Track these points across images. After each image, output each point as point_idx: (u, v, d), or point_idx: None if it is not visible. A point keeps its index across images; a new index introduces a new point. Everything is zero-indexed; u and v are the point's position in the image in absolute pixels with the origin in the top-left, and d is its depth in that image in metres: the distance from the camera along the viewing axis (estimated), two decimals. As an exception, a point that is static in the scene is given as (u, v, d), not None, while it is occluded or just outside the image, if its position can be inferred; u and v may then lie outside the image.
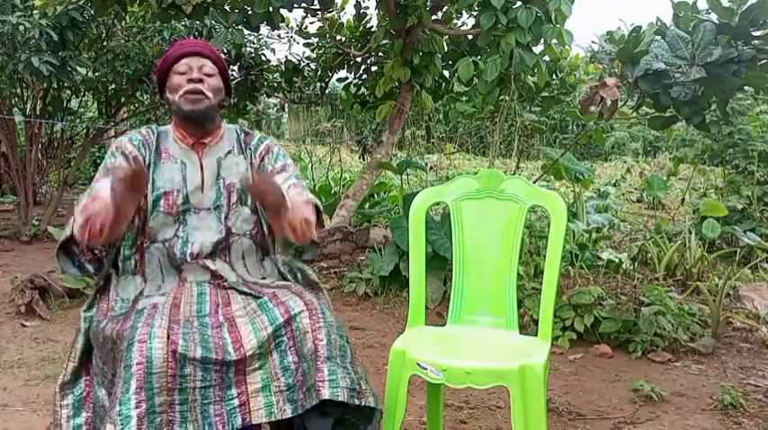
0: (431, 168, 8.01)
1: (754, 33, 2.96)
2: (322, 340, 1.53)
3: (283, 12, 4.20)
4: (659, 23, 3.28)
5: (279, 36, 5.92)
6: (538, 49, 3.85)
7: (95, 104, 6.94)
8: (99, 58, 5.39)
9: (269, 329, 1.55)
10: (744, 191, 5.55)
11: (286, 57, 5.88)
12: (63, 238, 1.70)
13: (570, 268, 3.92)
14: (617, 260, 4.26)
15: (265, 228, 1.82)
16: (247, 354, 1.52)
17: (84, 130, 6.70)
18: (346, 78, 5.68)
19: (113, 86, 5.89)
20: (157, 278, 1.73)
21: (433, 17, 4.69)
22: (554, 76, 4.74)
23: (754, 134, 5.55)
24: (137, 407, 1.39)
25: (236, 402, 1.50)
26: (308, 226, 1.62)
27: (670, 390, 2.74)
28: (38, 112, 5.83)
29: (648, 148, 12.92)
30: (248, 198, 1.79)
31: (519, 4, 3.57)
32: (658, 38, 3.19)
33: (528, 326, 3.19)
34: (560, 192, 6.11)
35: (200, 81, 1.76)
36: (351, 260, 4.59)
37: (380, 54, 5.33)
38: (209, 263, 1.72)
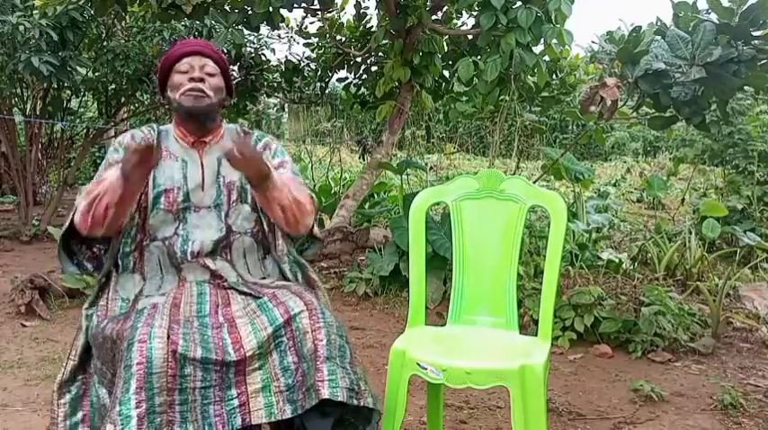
0: (431, 168, 8.01)
1: (754, 33, 2.96)
2: (322, 340, 1.53)
3: (283, 12, 4.20)
4: (659, 23, 3.28)
5: (279, 36, 5.92)
6: (538, 49, 3.85)
7: (95, 104, 6.95)
8: (99, 58, 5.39)
9: (269, 330, 1.55)
10: (744, 191, 5.55)
11: (286, 57, 5.88)
12: (64, 229, 1.71)
13: (570, 268, 3.92)
14: (617, 260, 4.26)
15: (266, 226, 1.82)
16: (247, 355, 1.52)
17: (84, 130, 6.70)
18: (346, 78, 5.68)
19: (113, 86, 5.89)
20: (156, 277, 1.73)
21: (433, 17, 4.69)
22: (554, 76, 4.74)
23: (754, 134, 5.55)
24: (137, 408, 1.39)
25: (235, 402, 1.50)
26: (297, 206, 1.63)
27: (670, 390, 2.74)
28: (38, 112, 5.83)
29: (648, 148, 12.92)
30: (248, 195, 1.79)
31: (519, 4, 3.57)
32: (658, 38, 3.19)
33: (528, 326, 3.19)
34: (560, 192, 6.12)
35: (202, 80, 1.77)
36: (351, 260, 4.59)
37: (380, 54, 5.33)
38: (209, 262, 1.72)
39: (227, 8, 3.95)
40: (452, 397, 2.62)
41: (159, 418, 1.40)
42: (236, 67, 5.59)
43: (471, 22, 5.02)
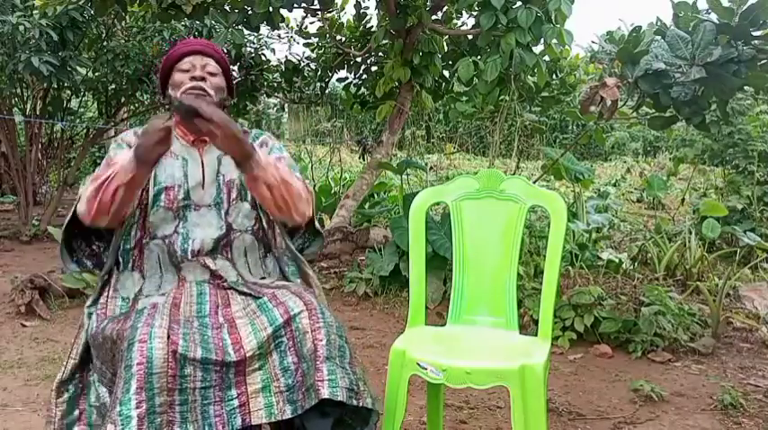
0: (431, 168, 8.01)
1: (754, 33, 2.96)
2: (321, 340, 1.53)
3: (283, 12, 4.20)
4: (659, 23, 3.28)
5: (279, 36, 5.92)
6: (538, 49, 3.85)
7: (95, 104, 6.94)
8: (99, 58, 5.39)
9: (269, 330, 1.55)
10: (744, 191, 5.55)
11: (286, 57, 5.88)
12: (66, 222, 1.71)
13: (570, 268, 3.92)
14: (617, 260, 4.26)
15: (265, 223, 1.82)
16: (247, 355, 1.52)
17: (84, 130, 6.70)
18: (346, 78, 5.68)
19: (113, 86, 5.89)
20: (156, 275, 1.73)
21: (433, 17, 4.69)
22: (554, 76, 4.74)
23: (754, 134, 5.55)
24: (137, 408, 1.39)
25: (235, 403, 1.50)
26: (286, 187, 1.62)
27: (670, 390, 2.74)
28: (38, 112, 5.83)
29: (648, 148, 12.92)
30: (248, 193, 1.79)
31: (519, 4, 3.57)
32: (658, 38, 3.19)
33: (528, 326, 3.19)
34: (560, 192, 6.12)
35: (203, 79, 1.77)
36: (351, 260, 4.59)
37: (380, 54, 5.33)
38: (209, 262, 1.72)
39: (227, 8, 3.95)
40: (452, 397, 2.62)
41: (159, 418, 1.40)
42: (236, 67, 5.59)
43: (471, 22, 5.02)
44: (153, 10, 4.10)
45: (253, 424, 1.51)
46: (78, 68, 5.05)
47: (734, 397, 2.61)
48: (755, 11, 2.89)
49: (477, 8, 3.99)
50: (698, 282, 3.81)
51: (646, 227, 5.73)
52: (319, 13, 5.08)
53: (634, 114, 3.94)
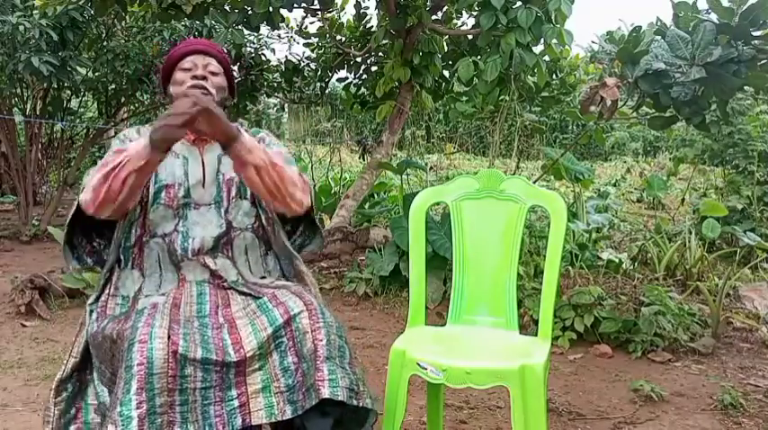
0: (431, 168, 8.01)
1: (754, 33, 2.96)
2: (322, 340, 1.53)
3: (283, 12, 4.20)
4: (659, 23, 3.28)
5: (279, 36, 5.92)
6: (538, 49, 3.85)
7: (95, 104, 6.94)
8: (99, 58, 5.39)
9: (269, 330, 1.55)
10: (744, 191, 5.55)
11: (286, 57, 5.88)
12: (70, 215, 1.70)
13: (570, 268, 3.92)
14: (617, 260, 4.27)
15: (264, 220, 1.82)
16: (247, 355, 1.52)
17: (84, 130, 6.70)
18: (346, 78, 5.68)
19: (113, 86, 5.89)
20: (155, 274, 1.73)
21: (433, 17, 4.69)
22: (554, 76, 4.74)
23: (754, 134, 5.55)
24: (138, 408, 1.39)
25: (236, 403, 1.50)
26: (275, 169, 1.62)
27: (670, 390, 2.74)
28: (38, 112, 5.83)
29: (648, 148, 12.92)
30: (247, 191, 1.79)
31: (519, 4, 3.57)
32: (658, 38, 3.19)
33: (528, 326, 3.19)
34: (560, 192, 6.12)
35: (205, 78, 1.77)
36: (351, 260, 4.59)
37: (380, 54, 5.33)
38: (209, 261, 1.72)
39: (227, 8, 3.95)
40: (452, 397, 2.62)
41: (160, 419, 1.40)
42: (236, 67, 5.59)
43: (471, 22, 5.03)
44: (153, 10, 4.10)
45: (253, 424, 1.51)
46: (78, 68, 5.05)
47: (734, 397, 2.62)
48: (755, 11, 2.89)
49: (477, 8, 3.99)
50: (698, 282, 3.81)
51: (646, 227, 5.73)
52: (319, 13, 5.08)
53: (634, 114, 3.94)
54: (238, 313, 1.63)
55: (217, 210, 1.76)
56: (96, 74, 5.51)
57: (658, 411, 2.58)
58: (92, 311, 1.71)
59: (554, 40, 3.74)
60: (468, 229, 2.05)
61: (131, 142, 1.70)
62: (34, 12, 4.54)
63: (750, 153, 5.48)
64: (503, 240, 2.02)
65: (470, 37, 4.49)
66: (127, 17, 5.42)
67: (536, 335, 1.95)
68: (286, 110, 11.28)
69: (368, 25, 5.36)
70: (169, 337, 1.47)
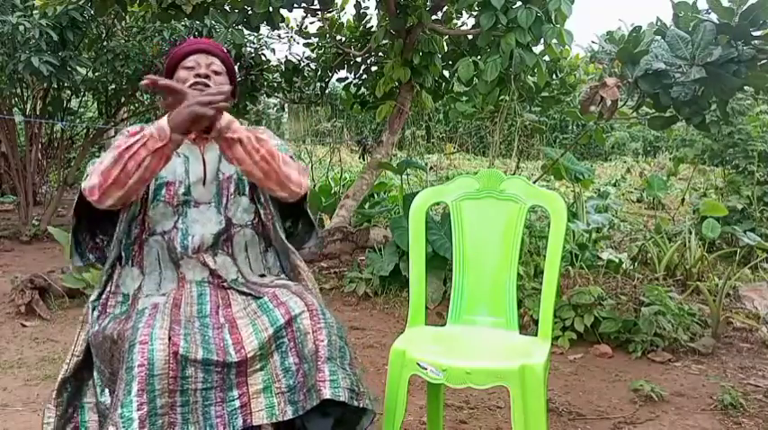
0: (431, 168, 8.01)
1: (754, 33, 2.96)
2: (323, 341, 1.53)
3: (283, 12, 4.20)
4: (659, 23, 3.28)
5: (279, 36, 5.93)
6: (538, 49, 3.86)
7: (95, 104, 6.95)
8: (99, 58, 5.39)
9: (270, 331, 1.55)
10: (744, 191, 5.55)
11: (286, 57, 5.89)
12: (74, 204, 1.70)
13: (570, 268, 3.92)
14: (617, 260, 4.27)
15: (263, 215, 1.82)
16: (248, 356, 1.52)
17: (84, 130, 6.70)
18: (346, 78, 5.68)
19: (113, 86, 5.90)
20: (155, 272, 1.73)
21: (433, 17, 4.69)
22: (554, 76, 4.74)
23: (754, 134, 5.55)
24: (138, 410, 1.39)
25: (237, 403, 1.50)
26: (261, 143, 1.62)
27: (670, 390, 2.74)
28: (38, 112, 5.83)
29: (648, 148, 12.91)
30: (245, 187, 1.79)
31: (519, 4, 3.57)
32: (658, 38, 3.19)
33: (528, 326, 3.19)
34: (560, 192, 6.12)
35: (208, 77, 1.78)
36: (351, 260, 4.59)
37: (380, 54, 5.33)
38: (208, 259, 1.72)
39: (227, 8, 3.95)
40: (452, 397, 2.62)
41: (161, 420, 1.40)
42: (236, 67, 5.59)
43: (471, 22, 5.03)
44: (153, 10, 4.10)
45: (254, 424, 1.51)
46: (78, 68, 5.05)
47: (734, 397, 2.62)
48: (755, 11, 2.89)
49: (477, 8, 3.99)
50: (698, 282, 3.81)
51: (646, 227, 5.73)
52: (319, 13, 5.08)
53: (634, 114, 3.94)
54: (239, 313, 1.63)
55: (216, 209, 1.76)
56: (96, 74, 5.51)
57: (658, 411, 2.58)
58: (94, 308, 1.71)
59: (554, 40, 3.74)
60: (468, 229, 2.05)
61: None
62: (34, 12, 4.54)
63: (750, 153, 5.48)
64: (503, 240, 2.02)
65: (470, 37, 4.49)
66: (127, 17, 5.42)
67: (536, 335, 1.95)
68: (286, 110, 11.27)
69: (368, 25, 5.36)
70: (170, 338, 1.47)
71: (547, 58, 4.22)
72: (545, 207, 1.99)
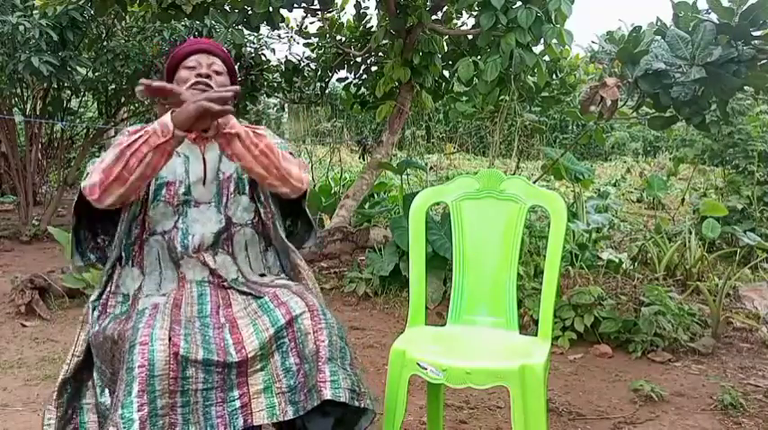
0: (431, 168, 8.01)
1: (754, 33, 2.96)
2: (324, 341, 1.53)
3: (283, 12, 4.20)
4: (659, 23, 3.28)
5: (279, 36, 5.93)
6: (538, 49, 3.86)
7: (95, 104, 6.95)
8: (99, 58, 5.39)
9: (270, 331, 1.55)
10: (744, 191, 5.55)
11: (286, 57, 5.89)
12: (75, 201, 1.70)
13: (570, 268, 3.92)
14: (617, 260, 4.27)
15: (262, 214, 1.82)
16: (249, 356, 1.52)
17: (84, 130, 6.70)
18: (346, 78, 5.68)
19: (113, 86, 5.90)
20: (155, 272, 1.73)
21: (433, 17, 4.69)
22: (554, 76, 4.74)
23: (754, 134, 5.55)
24: (139, 411, 1.39)
25: (237, 403, 1.51)
26: (261, 140, 1.62)
27: (670, 390, 2.75)
28: (38, 112, 5.83)
29: (648, 148, 12.91)
30: (245, 187, 1.79)
31: (519, 4, 3.57)
32: (658, 38, 3.19)
33: (528, 326, 3.19)
34: (560, 192, 6.12)
35: (209, 77, 1.78)
36: (351, 260, 4.59)
37: (380, 54, 5.33)
38: (208, 259, 1.72)
39: (227, 8, 3.95)
40: (452, 397, 2.62)
41: (161, 421, 1.41)
42: (236, 67, 5.59)
43: (471, 22, 5.03)
44: (153, 10, 4.10)
45: (254, 424, 1.51)
46: (78, 68, 5.05)
47: (734, 397, 2.62)
48: (755, 11, 2.89)
49: (477, 8, 3.99)
50: (698, 282, 3.81)
51: (646, 227, 5.73)
52: (319, 13, 5.08)
53: (634, 114, 3.94)
54: (239, 313, 1.63)
55: (216, 208, 1.76)
56: (96, 74, 5.51)
57: (658, 411, 2.59)
58: (94, 308, 1.71)
59: (554, 40, 3.74)
60: (468, 229, 2.05)
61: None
62: (34, 12, 4.54)
63: (750, 153, 5.48)
64: (503, 240, 2.02)
65: (470, 37, 4.49)
66: (127, 17, 5.42)
67: (536, 335, 1.95)
68: (286, 110, 11.27)
69: (368, 25, 5.36)
70: (170, 339, 1.47)
71: (547, 58, 4.22)
72: (545, 207, 1.99)
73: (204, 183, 1.76)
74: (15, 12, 4.46)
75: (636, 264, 4.39)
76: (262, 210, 1.82)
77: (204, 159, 1.78)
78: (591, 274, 3.90)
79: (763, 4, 2.87)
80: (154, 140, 1.54)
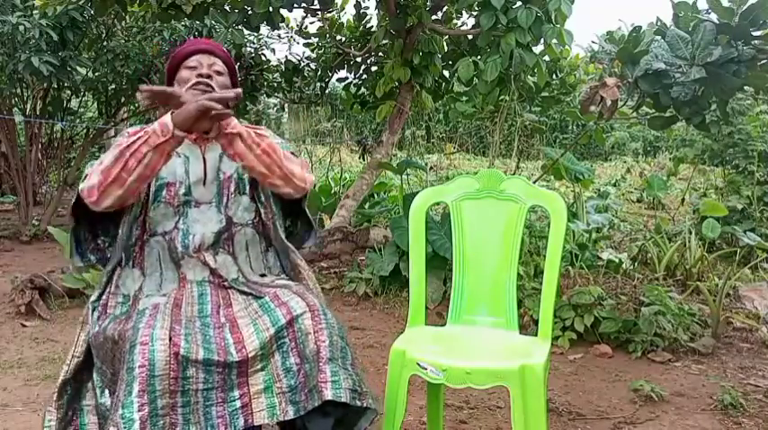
0: (431, 168, 8.01)
1: (754, 33, 2.96)
2: (324, 341, 1.53)
3: (283, 12, 4.20)
4: (659, 23, 3.28)
5: (279, 36, 5.93)
6: (538, 49, 3.85)
7: (95, 104, 6.95)
8: (99, 58, 5.39)
9: (271, 331, 1.55)
10: (744, 191, 5.55)
11: (286, 57, 5.89)
12: (72, 203, 1.70)
13: (570, 268, 3.92)
14: (617, 260, 4.26)
15: (263, 215, 1.82)
16: (249, 356, 1.52)
17: (84, 130, 6.70)
18: (346, 78, 5.68)
19: (113, 86, 5.90)
20: (156, 273, 1.73)
21: (433, 17, 4.69)
22: (554, 76, 4.74)
23: (754, 134, 5.55)
24: (139, 411, 1.39)
25: (238, 403, 1.51)
26: (261, 139, 1.63)
27: (670, 390, 2.75)
28: (38, 112, 5.83)
29: (648, 148, 12.91)
30: (245, 187, 1.79)
31: (519, 4, 3.57)
32: (658, 38, 3.19)
33: (528, 326, 3.19)
34: (560, 192, 6.12)
35: (210, 77, 1.78)
36: (351, 260, 4.59)
37: (380, 54, 5.33)
38: (209, 259, 1.72)
39: (227, 8, 3.95)
40: (452, 397, 2.62)
41: (162, 421, 1.41)
42: (236, 67, 5.59)
43: (471, 22, 5.03)
44: (153, 10, 4.10)
45: (255, 424, 1.51)
46: (78, 68, 5.05)
47: (734, 397, 2.62)
48: (755, 11, 2.89)
49: (477, 8, 3.99)
50: (698, 282, 3.81)
51: (646, 227, 5.73)
52: (319, 13, 5.08)
53: (634, 114, 3.94)
54: (240, 313, 1.63)
55: (217, 208, 1.77)
56: (96, 74, 5.51)
57: (658, 411, 2.59)
58: (94, 309, 1.71)
59: (554, 40, 3.74)
60: (468, 229, 2.05)
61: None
62: (34, 12, 4.54)
63: (750, 153, 5.48)
64: (503, 240, 2.02)
65: (470, 37, 4.49)
66: (127, 17, 5.42)
67: (536, 335, 1.95)
68: (286, 110, 11.27)
69: (368, 25, 5.36)
70: (170, 339, 1.47)
71: (547, 58, 4.22)
72: (545, 207, 1.99)
73: (204, 184, 1.76)
74: (15, 12, 4.46)
75: (636, 264, 4.39)
76: (262, 211, 1.82)
77: (204, 159, 1.78)
78: (591, 274, 3.90)
79: (763, 4, 2.88)
80: (153, 140, 1.55)
